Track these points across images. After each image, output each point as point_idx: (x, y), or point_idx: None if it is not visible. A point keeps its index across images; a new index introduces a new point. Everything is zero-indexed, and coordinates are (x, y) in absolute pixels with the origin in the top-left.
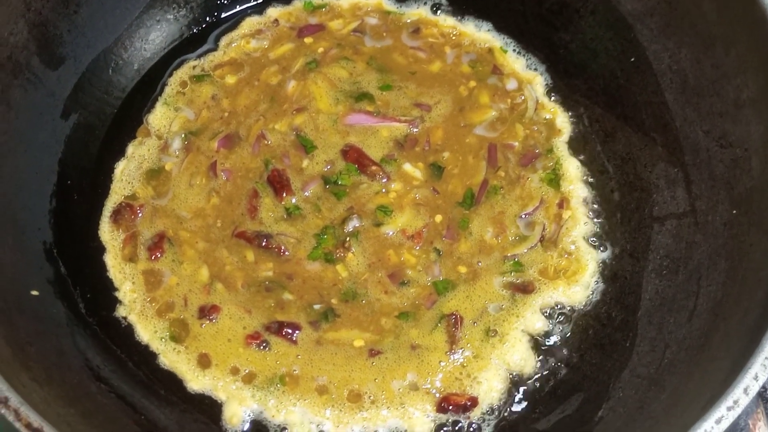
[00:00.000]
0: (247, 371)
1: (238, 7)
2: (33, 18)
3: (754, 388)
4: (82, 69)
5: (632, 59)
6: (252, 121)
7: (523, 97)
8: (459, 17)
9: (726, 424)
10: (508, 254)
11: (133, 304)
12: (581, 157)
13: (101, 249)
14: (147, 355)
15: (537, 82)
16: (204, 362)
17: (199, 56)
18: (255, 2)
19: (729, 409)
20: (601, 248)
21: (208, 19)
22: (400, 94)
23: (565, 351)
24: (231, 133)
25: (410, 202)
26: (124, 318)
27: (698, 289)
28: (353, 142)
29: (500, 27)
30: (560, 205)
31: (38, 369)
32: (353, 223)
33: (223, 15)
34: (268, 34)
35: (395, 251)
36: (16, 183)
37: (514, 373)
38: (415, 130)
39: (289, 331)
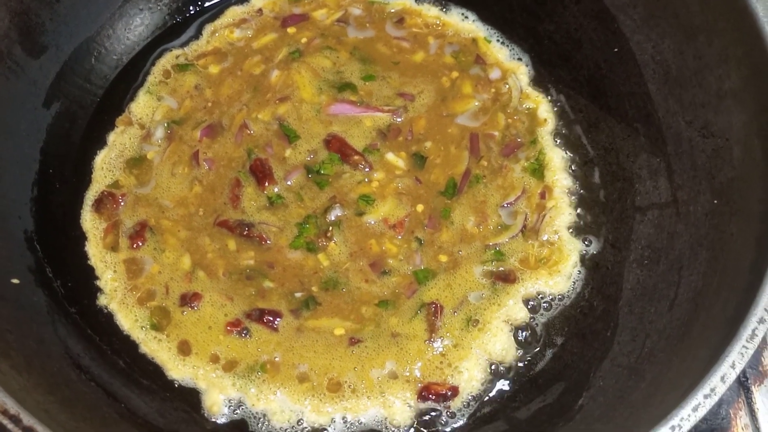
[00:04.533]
0: (227, 359)
1: None
2: (15, 6)
3: (731, 376)
4: (64, 58)
5: (615, 50)
6: (235, 110)
7: (507, 86)
8: (443, 7)
9: (703, 411)
10: (490, 243)
11: (114, 292)
12: (564, 147)
13: (83, 238)
14: (128, 344)
15: (521, 71)
16: (184, 349)
17: (183, 45)
18: None
19: (706, 396)
20: (583, 238)
21: (191, 8)
22: (383, 84)
23: (546, 340)
24: (214, 123)
25: (392, 192)
26: (105, 307)
27: (679, 279)
28: (336, 131)
29: (484, 17)
30: (542, 195)
31: (18, 357)
32: (335, 213)
33: (207, 4)
34: (251, 23)
35: (377, 240)
36: None
37: (495, 363)
38: (398, 119)
39: (270, 318)
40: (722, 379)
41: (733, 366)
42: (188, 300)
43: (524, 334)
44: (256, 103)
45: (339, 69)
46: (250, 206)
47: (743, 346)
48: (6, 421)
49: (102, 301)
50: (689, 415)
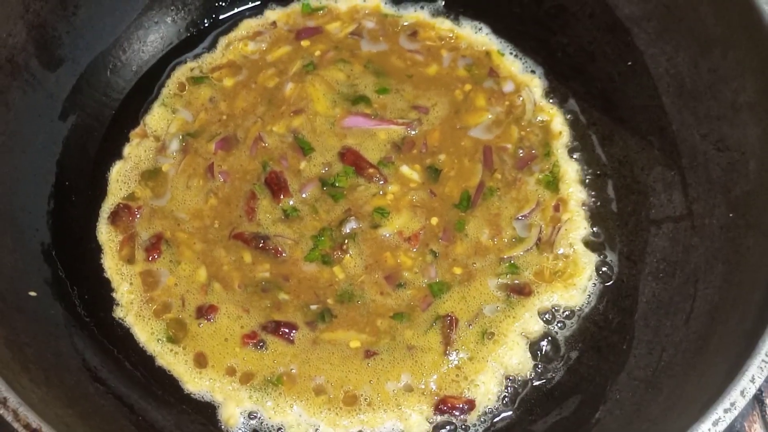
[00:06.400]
0: (244, 371)
1: (236, 9)
2: (32, 19)
3: (751, 391)
4: (80, 70)
5: (629, 63)
6: (249, 123)
7: (521, 99)
8: (456, 20)
9: (723, 426)
10: (504, 256)
11: (130, 305)
12: (578, 160)
13: (99, 250)
14: (144, 356)
15: (534, 84)
16: (201, 362)
17: (197, 58)
18: (253, 4)
19: (726, 411)
20: (598, 251)
21: (206, 21)
22: (397, 96)
23: (562, 353)
24: (229, 136)
25: (407, 205)
26: (122, 319)
27: (695, 292)
28: (350, 144)
29: (497, 30)
30: (557, 208)
31: (37, 370)
32: (350, 225)
33: (221, 17)
34: (266, 36)
35: (392, 253)
36: (15, 184)
37: (511, 376)
38: (412, 132)
39: (286, 330)
40: (742, 393)
41: (752, 380)
42: (204, 312)
43: (543, 346)
44: (271, 115)
45: (353, 82)
46: (266, 219)
47: (763, 360)
48: None
49: (118, 313)
50: (709, 429)
